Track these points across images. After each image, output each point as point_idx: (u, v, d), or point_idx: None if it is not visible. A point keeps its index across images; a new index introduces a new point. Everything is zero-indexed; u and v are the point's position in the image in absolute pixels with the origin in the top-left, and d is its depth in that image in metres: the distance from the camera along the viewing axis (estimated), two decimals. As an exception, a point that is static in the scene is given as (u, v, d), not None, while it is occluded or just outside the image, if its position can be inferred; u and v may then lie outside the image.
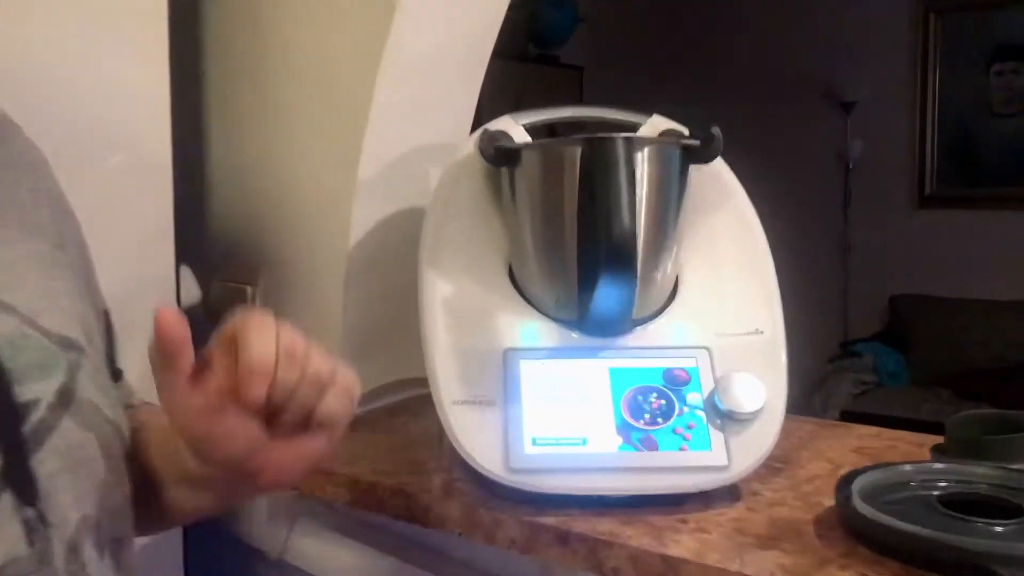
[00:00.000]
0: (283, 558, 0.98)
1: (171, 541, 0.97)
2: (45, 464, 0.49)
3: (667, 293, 0.80)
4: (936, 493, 0.66)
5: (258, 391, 0.48)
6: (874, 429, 0.92)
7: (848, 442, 0.88)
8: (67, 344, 0.53)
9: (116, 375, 0.64)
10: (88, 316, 0.58)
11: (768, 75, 4.14)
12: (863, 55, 4.01)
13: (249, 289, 1.03)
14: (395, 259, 0.95)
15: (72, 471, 0.50)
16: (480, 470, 0.71)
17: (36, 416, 0.49)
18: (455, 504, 0.73)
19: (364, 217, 0.95)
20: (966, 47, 3.92)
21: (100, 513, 0.51)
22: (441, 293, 0.78)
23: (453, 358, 0.75)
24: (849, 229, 4.12)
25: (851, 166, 4.14)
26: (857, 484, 0.67)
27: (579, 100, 4.34)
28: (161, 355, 0.49)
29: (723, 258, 0.82)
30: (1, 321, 0.51)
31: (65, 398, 0.51)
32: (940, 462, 0.71)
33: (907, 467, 0.70)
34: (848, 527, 0.65)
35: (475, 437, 0.72)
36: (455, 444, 0.72)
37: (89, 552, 0.50)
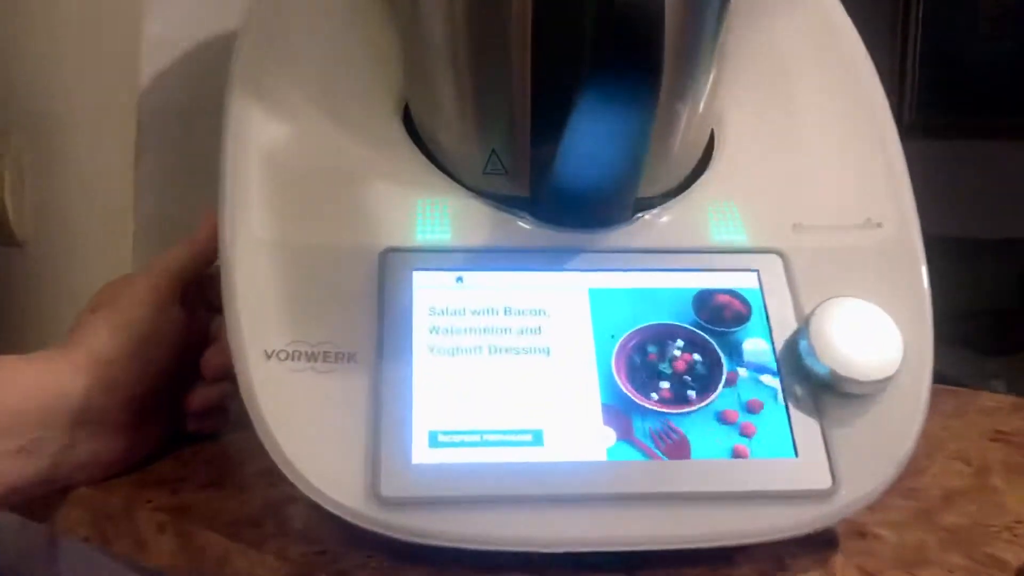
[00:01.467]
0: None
1: None
2: None
3: (696, 155, 0.43)
4: None
5: None
6: (1005, 400, 0.57)
7: (976, 422, 0.53)
8: None
9: None
10: None
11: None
12: (844, -34, 3.65)
13: (-7, 163, 0.63)
14: (211, 112, 0.56)
15: None
16: (317, 498, 0.33)
17: None
18: (270, 563, 0.36)
19: (160, 45, 0.55)
20: (956, -42, 3.58)
21: None
22: (261, 142, 0.40)
23: (274, 264, 0.37)
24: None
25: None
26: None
27: None
28: None
29: (796, 92, 0.44)
30: None
31: None
32: None
33: None
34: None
35: (310, 429, 0.34)
36: (265, 440, 0.34)
37: None
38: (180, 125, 0.58)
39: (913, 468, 0.43)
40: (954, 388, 0.57)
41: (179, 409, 0.45)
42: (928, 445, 0.47)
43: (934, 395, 0.54)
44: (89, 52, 0.60)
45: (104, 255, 0.60)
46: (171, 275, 0.43)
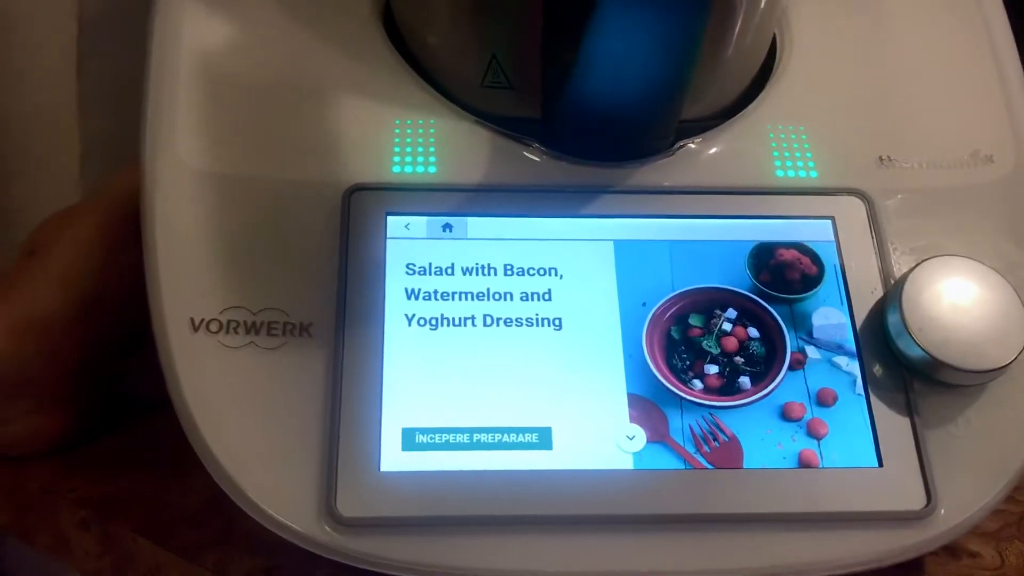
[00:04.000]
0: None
1: None
2: None
3: (756, 65, 0.33)
4: None
5: None
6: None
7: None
8: None
9: None
10: None
11: None
12: None
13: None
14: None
15: None
16: (255, 514, 0.26)
17: None
18: (206, 584, 0.29)
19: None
20: None
21: None
22: (194, 44, 0.31)
23: (207, 204, 0.28)
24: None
25: None
26: None
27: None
28: None
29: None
30: None
31: None
32: None
33: None
34: None
35: (250, 426, 0.26)
36: (190, 435, 0.27)
37: None
38: (128, 26, 0.49)
39: None
40: None
41: (128, 373, 0.37)
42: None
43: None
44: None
45: (48, 173, 0.52)
46: (122, 209, 0.34)
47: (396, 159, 0.30)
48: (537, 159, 0.30)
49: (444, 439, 0.26)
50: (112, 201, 0.36)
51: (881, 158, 0.31)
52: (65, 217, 0.36)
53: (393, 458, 0.26)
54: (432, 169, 0.30)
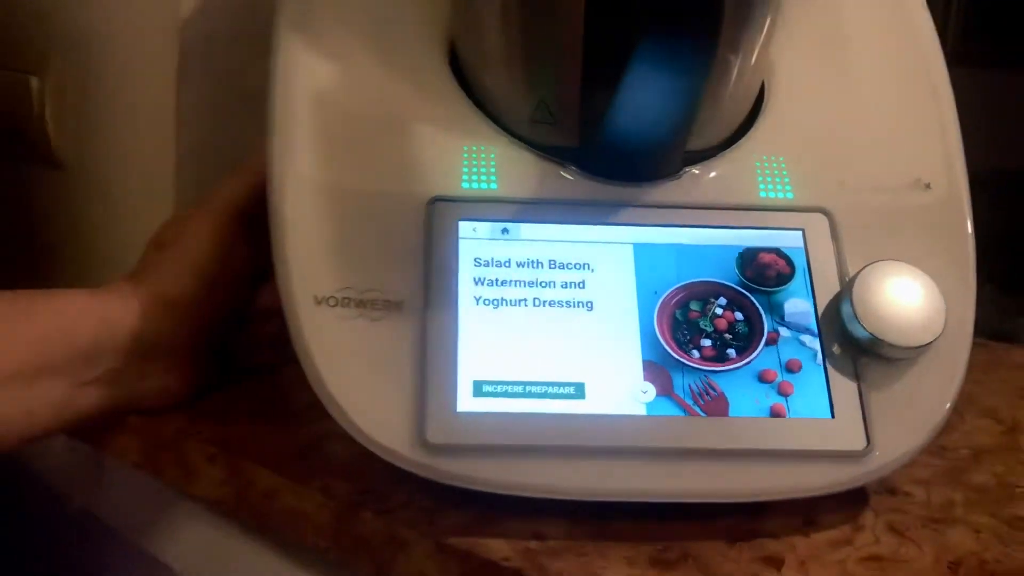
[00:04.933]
0: (89, 509, 0.63)
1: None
2: None
3: (747, 106, 0.42)
4: None
5: None
6: (1039, 355, 0.57)
7: (1005, 378, 0.53)
8: None
9: None
10: None
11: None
12: None
13: (34, 82, 0.63)
14: (257, 37, 0.56)
15: None
16: (364, 442, 0.34)
17: None
18: (317, 499, 0.37)
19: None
20: None
21: None
22: (309, 84, 0.40)
23: (323, 210, 0.37)
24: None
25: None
26: None
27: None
28: None
29: (851, 45, 0.43)
30: None
31: None
32: None
33: None
34: None
35: (358, 375, 0.35)
36: (315, 385, 0.35)
37: None
38: (223, 51, 0.58)
39: (943, 425, 0.44)
40: (986, 342, 0.57)
41: (236, 342, 0.46)
42: (959, 401, 0.47)
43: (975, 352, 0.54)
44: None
45: (145, 180, 0.60)
46: (233, 209, 0.44)
47: (465, 177, 0.39)
48: (574, 179, 0.39)
49: (503, 389, 0.35)
50: (223, 203, 0.45)
51: (842, 183, 0.40)
52: (186, 217, 0.45)
53: (466, 402, 0.35)
54: (493, 185, 0.39)
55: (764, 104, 0.42)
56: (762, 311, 0.37)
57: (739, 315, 0.37)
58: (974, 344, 0.58)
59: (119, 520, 0.61)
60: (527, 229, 0.38)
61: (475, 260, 0.37)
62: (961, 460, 0.42)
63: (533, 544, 0.34)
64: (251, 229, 0.44)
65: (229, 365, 0.46)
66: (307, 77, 0.40)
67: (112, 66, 0.61)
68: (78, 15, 0.62)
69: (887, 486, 0.39)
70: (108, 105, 0.62)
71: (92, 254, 0.64)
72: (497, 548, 0.34)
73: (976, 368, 0.53)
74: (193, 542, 0.55)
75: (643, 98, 0.35)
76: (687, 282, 0.37)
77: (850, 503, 0.38)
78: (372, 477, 0.37)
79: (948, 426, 0.44)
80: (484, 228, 0.38)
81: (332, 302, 0.36)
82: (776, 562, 0.34)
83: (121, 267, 0.62)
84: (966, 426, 0.46)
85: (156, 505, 0.57)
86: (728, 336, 0.36)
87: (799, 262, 0.38)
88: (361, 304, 0.36)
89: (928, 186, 0.40)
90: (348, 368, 0.35)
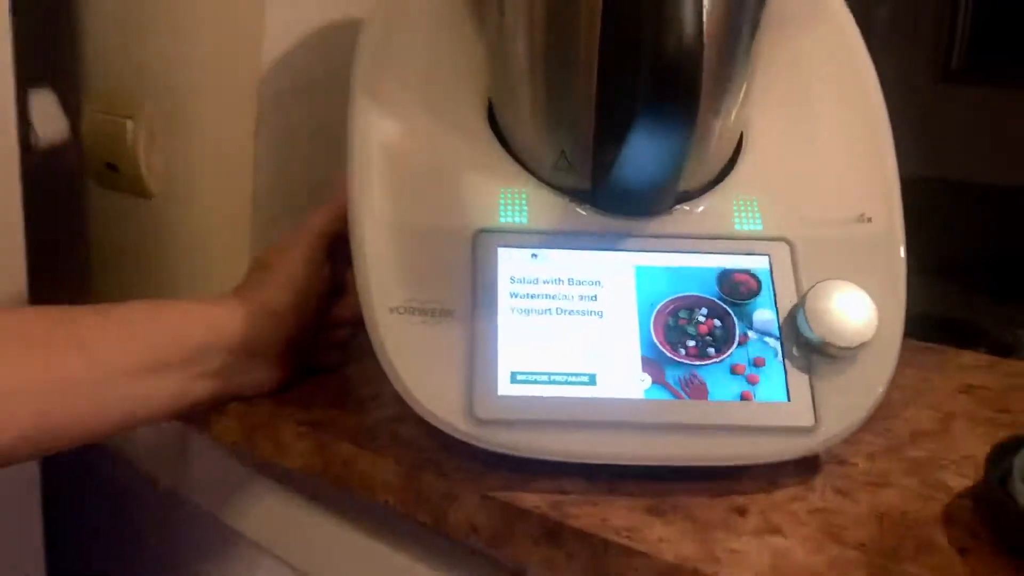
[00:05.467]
0: (175, 489, 0.74)
1: (26, 480, 0.72)
2: None
3: (727, 154, 0.53)
4: None
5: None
6: (982, 358, 0.67)
7: (951, 376, 0.63)
8: None
9: None
10: None
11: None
12: (902, -95, 3.59)
13: (129, 124, 0.75)
14: (325, 89, 0.67)
15: None
16: (426, 417, 0.45)
17: None
18: (388, 463, 0.48)
19: (281, 28, 0.65)
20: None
21: None
22: (380, 138, 0.50)
23: (393, 240, 0.48)
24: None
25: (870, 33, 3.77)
26: (1021, 462, 0.43)
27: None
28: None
29: (813, 104, 0.54)
30: None
31: None
32: None
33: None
34: (1009, 532, 0.41)
35: (421, 366, 0.46)
36: (389, 374, 0.46)
37: None
38: (296, 100, 0.68)
39: (890, 413, 0.55)
40: (938, 347, 0.68)
41: (314, 345, 0.57)
42: (905, 395, 0.58)
43: (920, 352, 0.65)
44: (215, 31, 0.70)
45: (224, 210, 0.71)
46: (321, 237, 0.55)
47: (502, 213, 0.49)
48: (588, 215, 0.50)
49: (533, 377, 0.45)
50: (312, 234, 0.55)
51: (801, 218, 0.50)
52: (283, 244, 0.56)
53: (505, 387, 0.45)
54: (524, 220, 0.49)
55: (742, 152, 0.53)
56: (735, 319, 0.47)
57: (717, 322, 0.47)
58: (928, 349, 0.69)
59: (201, 497, 0.72)
60: (552, 254, 0.48)
61: (511, 278, 0.47)
62: (902, 440, 0.52)
63: (558, 497, 0.44)
64: (331, 254, 0.55)
65: (307, 363, 0.57)
66: (377, 132, 0.51)
67: (197, 113, 0.72)
68: (168, 69, 0.74)
69: (838, 459, 0.49)
70: (192, 146, 0.73)
71: (175, 271, 0.75)
72: (530, 499, 0.44)
73: (926, 368, 0.64)
74: (266, 515, 0.66)
75: (642, 152, 0.45)
76: (677, 296, 0.48)
77: (807, 471, 0.48)
78: (430, 447, 0.48)
79: (893, 414, 0.55)
80: (518, 253, 0.48)
81: (401, 310, 0.46)
82: (743, 511, 0.44)
83: (199, 283, 0.73)
84: (908, 414, 0.56)
85: (233, 483, 0.68)
86: (708, 338, 0.47)
87: (765, 281, 0.48)
88: (423, 312, 0.46)
89: (870, 220, 0.50)
90: (413, 360, 0.46)
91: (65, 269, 0.86)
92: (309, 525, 0.62)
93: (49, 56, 0.79)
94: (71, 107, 0.78)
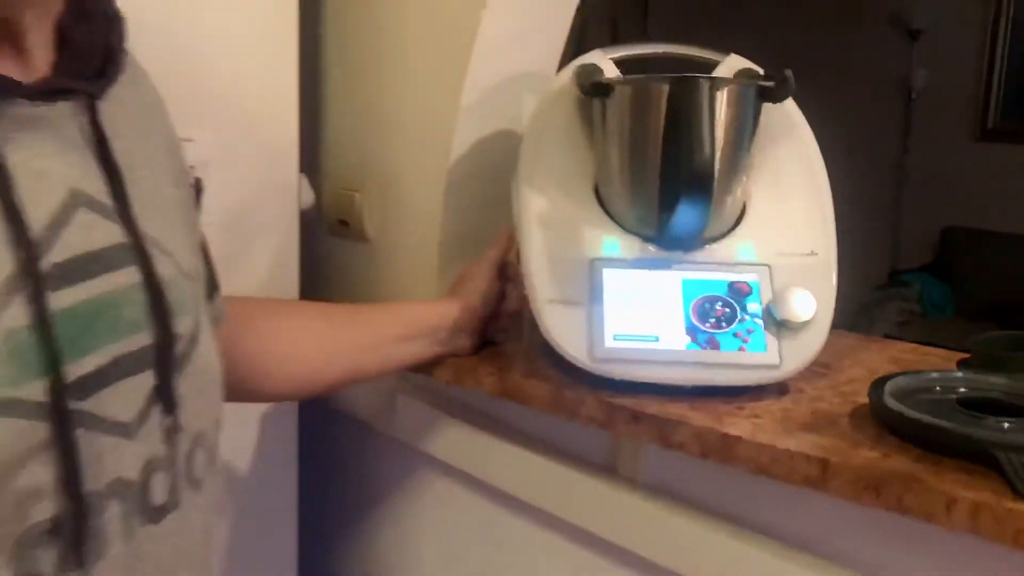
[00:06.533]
0: (388, 432, 1.14)
1: (285, 418, 1.13)
2: (182, 385, 0.57)
3: (735, 216, 0.91)
4: (955, 396, 0.77)
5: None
6: (912, 345, 1.03)
7: (886, 354, 0.99)
8: (194, 280, 0.62)
9: (211, 293, 0.70)
10: (195, 248, 0.66)
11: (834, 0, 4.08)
12: (935, -19, 3.94)
13: (357, 195, 1.16)
14: (490, 175, 1.07)
15: (199, 392, 0.59)
16: (568, 358, 0.84)
17: (180, 346, 0.57)
18: (543, 386, 0.87)
19: (464, 137, 1.06)
20: (1044, -26, 3.83)
21: (208, 426, 0.61)
22: (536, 207, 0.90)
23: (546, 263, 0.87)
24: (907, 159, 4.12)
25: (913, 96, 4.11)
26: (889, 386, 0.79)
27: (643, 19, 4.34)
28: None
29: (786, 187, 0.92)
30: (163, 264, 0.57)
31: (195, 332, 0.60)
32: (963, 372, 0.82)
33: (933, 374, 0.81)
34: (878, 419, 0.77)
35: (564, 331, 0.85)
36: (546, 336, 0.85)
37: (199, 456, 0.60)
38: (472, 180, 1.09)
39: (835, 367, 0.92)
40: (887, 339, 1.04)
41: (491, 327, 0.97)
42: (850, 359, 0.95)
43: (871, 342, 1.03)
44: (417, 132, 1.11)
45: (419, 253, 1.12)
46: (495, 264, 0.95)
47: (604, 249, 0.88)
48: (655, 250, 0.88)
49: (624, 337, 0.84)
50: (488, 262, 0.96)
51: (777, 253, 0.88)
52: (472, 268, 0.96)
53: (610, 341, 0.84)
54: (618, 252, 0.88)
55: (744, 215, 0.91)
56: (737, 308, 0.85)
57: (727, 309, 0.85)
58: (879, 340, 1.06)
59: (404, 435, 1.12)
60: (633, 272, 0.87)
61: (611, 284, 0.86)
62: (839, 382, 0.89)
63: (637, 400, 0.82)
64: (500, 273, 0.95)
65: (487, 338, 0.97)
66: (533, 204, 0.90)
67: (403, 187, 1.14)
68: (382, 157, 1.16)
69: (797, 388, 0.86)
70: (399, 208, 1.14)
71: (384, 292, 1.16)
72: (622, 401, 0.82)
73: (869, 351, 1.00)
74: (453, 441, 1.05)
75: (684, 216, 0.84)
76: (705, 295, 0.86)
77: (777, 392, 0.85)
78: (562, 379, 0.87)
79: (839, 370, 0.92)
80: (615, 271, 0.87)
81: (552, 301, 0.86)
82: (740, 408, 0.81)
83: (399, 298, 1.13)
84: (848, 371, 0.92)
85: (428, 422, 1.08)
86: (721, 317, 0.85)
87: (755, 287, 0.86)
88: (564, 302, 0.85)
89: (816, 254, 0.88)
90: (560, 328, 0.85)
91: (308, 288, 1.28)
92: (481, 445, 1.01)
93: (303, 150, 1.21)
94: (315, 185, 1.20)
